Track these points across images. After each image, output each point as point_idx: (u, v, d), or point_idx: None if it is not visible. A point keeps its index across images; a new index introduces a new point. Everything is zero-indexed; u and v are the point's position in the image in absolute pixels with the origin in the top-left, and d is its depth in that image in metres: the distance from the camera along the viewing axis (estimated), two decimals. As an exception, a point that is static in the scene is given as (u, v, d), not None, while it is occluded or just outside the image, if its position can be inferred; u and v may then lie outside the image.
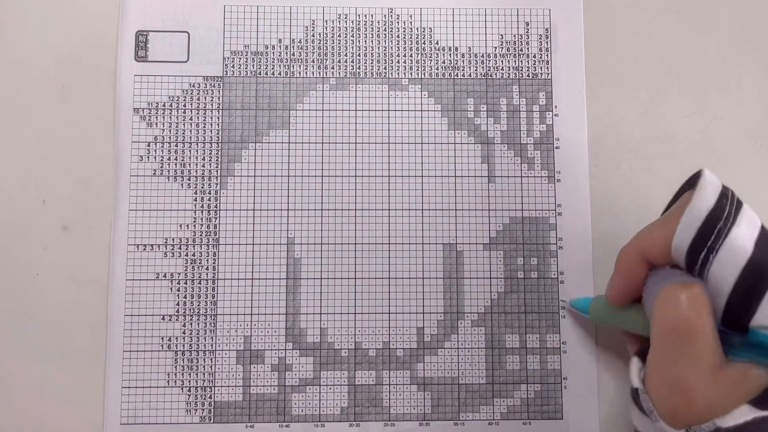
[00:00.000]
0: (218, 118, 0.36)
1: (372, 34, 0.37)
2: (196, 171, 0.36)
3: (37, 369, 0.34)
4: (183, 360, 0.34)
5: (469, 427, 0.34)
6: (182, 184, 0.36)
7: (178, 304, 0.35)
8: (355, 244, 0.35)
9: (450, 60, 0.37)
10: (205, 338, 0.35)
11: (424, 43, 0.37)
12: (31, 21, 0.37)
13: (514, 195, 0.36)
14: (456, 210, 0.36)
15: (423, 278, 0.35)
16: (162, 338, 0.35)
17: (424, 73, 0.37)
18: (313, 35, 0.37)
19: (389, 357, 0.35)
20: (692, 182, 0.28)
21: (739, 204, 0.27)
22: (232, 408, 0.34)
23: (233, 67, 0.36)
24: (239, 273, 0.35)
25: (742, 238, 0.25)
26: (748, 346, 0.25)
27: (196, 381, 0.34)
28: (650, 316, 0.27)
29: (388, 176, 0.36)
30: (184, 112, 0.36)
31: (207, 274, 0.35)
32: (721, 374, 0.25)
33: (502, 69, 0.37)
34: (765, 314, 0.25)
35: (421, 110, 0.36)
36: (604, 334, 0.35)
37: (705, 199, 0.26)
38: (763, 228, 0.26)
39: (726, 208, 0.26)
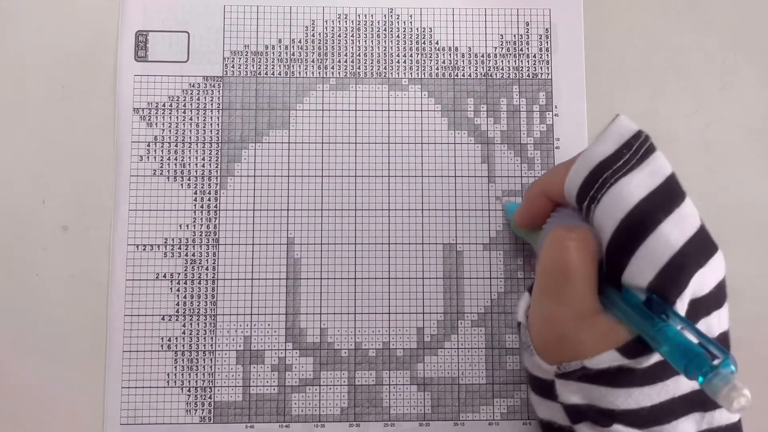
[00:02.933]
0: (218, 118, 0.36)
1: (372, 34, 0.37)
2: (196, 171, 0.36)
3: (37, 369, 0.34)
4: (183, 360, 0.34)
5: (469, 427, 0.34)
6: (182, 184, 0.36)
7: (178, 304, 0.35)
8: (355, 244, 0.35)
9: (450, 60, 0.37)
10: (205, 338, 0.35)
11: (424, 43, 0.37)
12: (31, 20, 0.37)
13: (514, 195, 0.36)
14: (456, 210, 0.36)
15: (423, 278, 0.35)
16: (162, 338, 0.35)
17: (424, 73, 0.37)
18: (313, 35, 0.37)
19: (389, 357, 0.35)
20: None
21: (648, 152, 0.26)
22: (232, 408, 0.34)
23: (233, 67, 0.36)
24: (239, 273, 0.35)
25: (629, 189, 0.25)
26: (620, 301, 0.25)
27: (196, 381, 0.34)
28: (539, 252, 0.28)
29: (388, 176, 0.36)
30: (184, 112, 0.36)
31: (207, 274, 0.35)
32: (593, 320, 0.25)
33: (502, 69, 0.37)
34: (632, 272, 0.24)
35: (421, 110, 0.36)
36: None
37: (601, 147, 0.26)
38: (669, 178, 0.25)
39: (623, 157, 0.26)
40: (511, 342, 0.35)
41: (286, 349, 0.35)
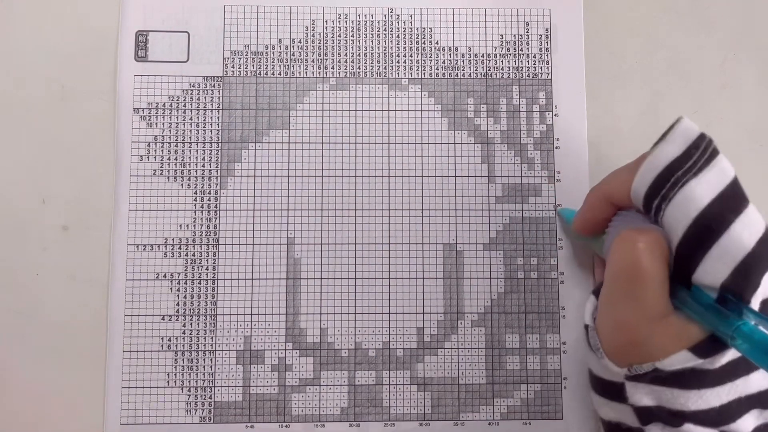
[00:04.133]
0: (218, 118, 0.36)
1: (372, 34, 0.37)
2: (196, 171, 0.36)
3: (37, 369, 0.34)
4: (183, 360, 0.34)
5: (469, 427, 0.34)
6: (182, 184, 0.36)
7: (178, 304, 0.35)
8: (355, 244, 0.35)
9: (450, 60, 0.37)
10: (205, 338, 0.35)
11: (424, 43, 0.37)
12: (31, 21, 0.37)
13: (514, 195, 0.36)
14: (456, 210, 0.36)
15: (423, 278, 0.35)
16: (162, 338, 0.35)
17: (424, 73, 0.37)
18: (313, 35, 0.37)
19: (389, 357, 0.35)
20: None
21: (713, 154, 0.26)
22: (232, 408, 0.34)
23: (233, 67, 0.36)
24: (239, 273, 0.35)
25: (700, 189, 0.25)
26: (692, 300, 0.25)
27: (196, 381, 0.34)
28: (607, 256, 0.28)
29: (388, 176, 0.36)
30: (184, 112, 0.36)
31: (207, 274, 0.35)
32: (665, 322, 0.25)
33: (502, 69, 0.37)
34: (706, 271, 0.25)
35: (421, 110, 0.36)
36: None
37: (670, 148, 0.26)
38: (734, 181, 0.26)
39: (693, 158, 0.26)
40: (511, 342, 0.35)
41: (286, 349, 0.35)
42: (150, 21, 0.37)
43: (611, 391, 0.28)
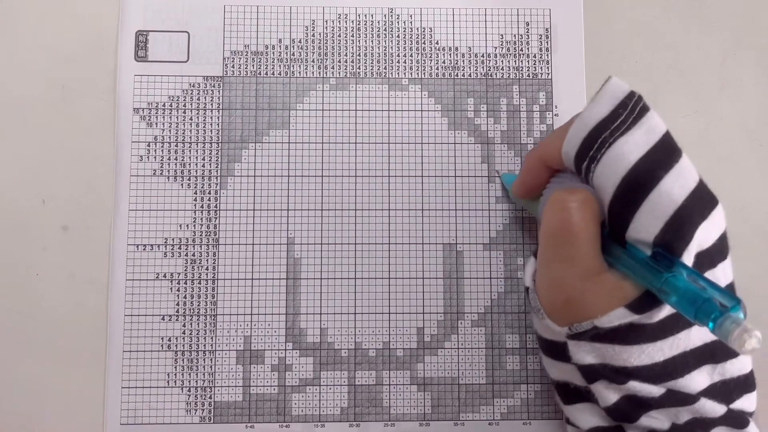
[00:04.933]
0: (218, 118, 0.36)
1: (372, 34, 0.37)
2: (196, 171, 0.36)
3: (37, 369, 0.34)
4: (183, 360, 0.34)
5: (469, 427, 0.34)
6: (182, 184, 0.36)
7: (178, 304, 0.35)
8: (355, 244, 0.35)
9: (450, 60, 0.37)
10: (205, 338, 0.35)
11: (424, 43, 0.37)
12: (31, 21, 0.37)
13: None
14: (456, 210, 0.36)
15: (423, 278, 0.35)
16: (162, 338, 0.35)
17: (424, 73, 0.37)
18: (313, 35, 0.37)
19: (389, 357, 0.35)
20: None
21: (642, 112, 0.26)
22: (232, 408, 0.34)
23: (233, 67, 0.36)
24: (239, 273, 0.35)
25: (628, 147, 0.25)
26: (626, 257, 0.25)
27: (196, 381, 0.34)
28: (541, 217, 0.28)
29: (388, 176, 0.36)
30: (184, 112, 0.36)
31: (207, 274, 0.35)
32: (599, 279, 0.25)
33: (502, 69, 0.37)
34: (637, 227, 0.25)
35: (421, 110, 0.36)
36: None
37: (597, 108, 0.26)
38: (665, 136, 0.26)
39: (620, 117, 0.26)
40: (511, 342, 0.35)
41: (286, 349, 0.35)
42: (150, 21, 0.37)
43: (555, 350, 0.28)
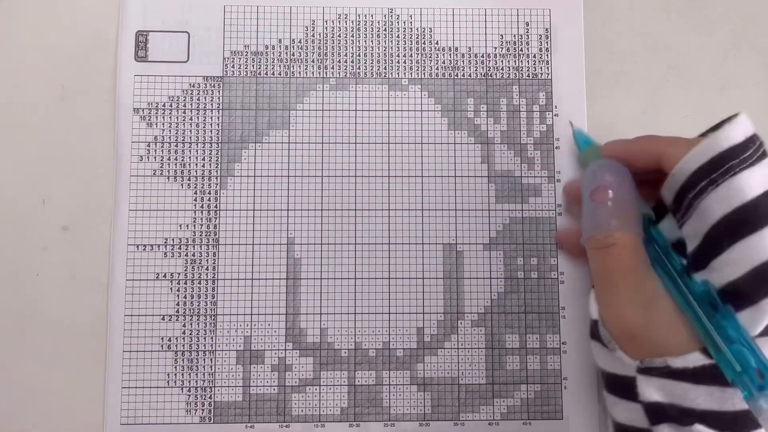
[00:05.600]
0: (218, 118, 0.36)
1: (372, 34, 0.37)
2: (196, 171, 0.36)
3: (37, 369, 0.34)
4: (183, 360, 0.34)
5: (469, 428, 0.34)
6: (182, 184, 0.36)
7: (178, 304, 0.35)
8: (355, 244, 0.35)
9: (450, 60, 0.37)
10: (205, 338, 0.35)
11: (424, 43, 0.37)
12: (32, 21, 0.37)
13: (514, 195, 0.36)
14: (456, 210, 0.36)
15: (423, 278, 0.35)
16: (162, 338, 0.35)
17: (424, 73, 0.37)
18: (313, 35, 0.37)
19: (389, 357, 0.35)
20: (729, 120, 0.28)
21: (765, 154, 0.26)
22: (232, 408, 0.34)
23: (233, 67, 0.36)
24: (239, 273, 0.35)
25: (749, 183, 0.25)
26: (690, 296, 0.25)
27: (196, 381, 0.34)
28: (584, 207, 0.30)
29: (388, 176, 0.36)
30: (184, 112, 0.36)
31: (207, 274, 0.35)
32: (654, 309, 0.25)
33: (502, 69, 0.37)
34: (725, 262, 0.25)
35: (421, 110, 0.36)
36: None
37: (733, 134, 0.26)
38: None
39: (749, 150, 0.26)
40: (511, 342, 0.35)
41: (286, 349, 0.35)
42: (150, 21, 0.37)
43: (623, 387, 0.28)
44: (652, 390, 0.26)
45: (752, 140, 0.26)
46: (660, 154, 0.28)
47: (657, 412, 0.27)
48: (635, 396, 0.27)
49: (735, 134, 0.26)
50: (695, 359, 0.25)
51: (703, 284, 0.25)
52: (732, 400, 0.25)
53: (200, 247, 0.35)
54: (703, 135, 0.28)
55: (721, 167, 0.26)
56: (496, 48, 0.37)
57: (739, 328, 0.23)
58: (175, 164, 0.36)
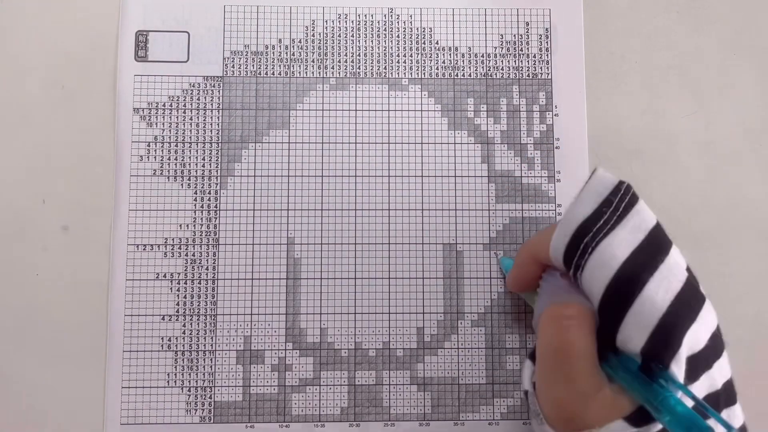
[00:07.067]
0: (218, 118, 0.36)
1: (372, 34, 0.37)
2: (196, 171, 0.36)
3: (37, 369, 0.34)
4: (183, 360, 0.34)
5: (469, 427, 0.34)
6: (182, 184, 0.36)
7: (178, 304, 0.35)
8: (355, 244, 0.35)
9: (450, 60, 0.37)
10: (205, 338, 0.35)
11: (424, 43, 0.37)
12: (31, 21, 0.37)
13: (514, 195, 0.36)
14: (456, 210, 0.36)
15: (423, 278, 0.35)
16: (162, 338, 0.35)
17: (424, 73, 0.37)
18: (313, 35, 0.37)
19: (389, 357, 0.35)
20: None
21: (629, 206, 0.25)
22: (232, 408, 0.34)
23: (233, 67, 0.36)
24: (239, 273, 0.35)
25: (611, 251, 0.24)
26: (621, 367, 0.24)
27: (196, 381, 0.34)
28: (536, 326, 0.27)
29: (388, 176, 0.36)
30: (184, 112, 0.36)
31: (207, 274, 0.35)
32: (599, 395, 0.24)
33: (502, 69, 0.37)
34: (624, 338, 0.24)
35: (421, 110, 0.36)
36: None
37: (579, 208, 0.26)
38: (653, 231, 0.25)
39: (604, 216, 0.25)
40: (511, 342, 0.35)
41: (286, 349, 0.35)
42: (150, 21, 0.37)
43: None
44: None
45: (607, 203, 0.25)
46: (535, 256, 0.28)
47: None
48: None
49: (582, 208, 0.25)
50: (618, 428, 0.24)
51: (632, 360, 0.24)
52: None
53: (200, 247, 0.35)
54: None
55: (578, 249, 0.25)
56: (496, 48, 0.37)
57: (674, 385, 0.23)
58: (175, 164, 0.36)
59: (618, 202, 0.25)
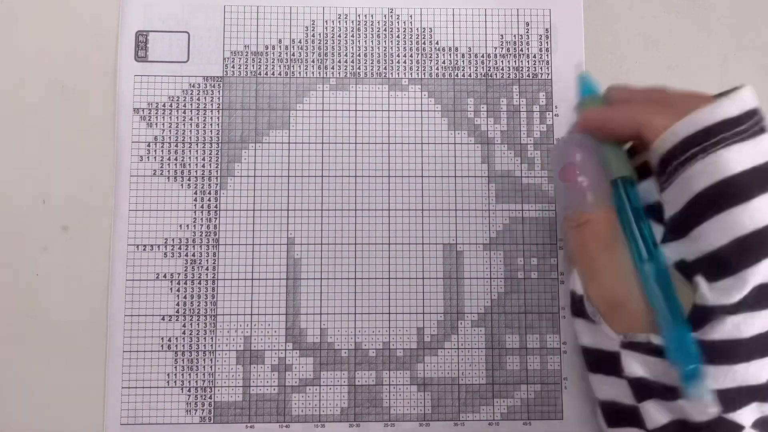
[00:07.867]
0: (218, 118, 0.36)
1: (372, 34, 0.37)
2: (196, 171, 0.36)
3: (37, 369, 0.34)
4: (183, 360, 0.34)
5: (469, 428, 0.34)
6: (182, 184, 0.36)
7: (178, 305, 0.35)
8: (355, 244, 0.35)
9: (450, 60, 0.37)
10: (205, 338, 0.35)
11: (424, 43, 0.37)
12: (32, 21, 0.37)
13: (514, 195, 0.36)
14: (456, 210, 0.36)
15: (423, 278, 0.35)
16: (162, 338, 0.35)
17: (424, 73, 0.37)
18: (313, 35, 0.37)
19: (389, 357, 0.35)
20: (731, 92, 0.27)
21: (761, 130, 0.25)
22: (232, 408, 0.34)
23: (233, 67, 0.36)
24: (239, 273, 0.35)
25: (737, 157, 0.24)
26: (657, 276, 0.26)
27: (196, 381, 0.34)
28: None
29: (388, 176, 0.36)
30: (184, 112, 0.36)
31: (207, 274, 0.35)
32: (633, 281, 0.26)
33: (502, 69, 0.37)
34: (704, 232, 0.24)
35: (421, 110, 0.36)
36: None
37: (726, 107, 0.26)
38: None
39: (744, 124, 0.25)
40: (511, 342, 0.35)
41: (286, 349, 0.35)
42: (150, 21, 0.37)
43: (607, 362, 0.28)
44: (636, 366, 0.26)
45: (749, 115, 0.26)
46: (640, 128, 0.27)
47: (642, 388, 0.27)
48: (620, 371, 0.27)
49: (731, 107, 0.26)
50: None
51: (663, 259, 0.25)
52: (715, 379, 0.25)
53: (200, 247, 0.35)
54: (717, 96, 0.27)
55: (712, 137, 0.25)
56: (496, 48, 0.37)
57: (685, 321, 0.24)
58: (175, 164, 0.36)
59: (756, 121, 0.26)
